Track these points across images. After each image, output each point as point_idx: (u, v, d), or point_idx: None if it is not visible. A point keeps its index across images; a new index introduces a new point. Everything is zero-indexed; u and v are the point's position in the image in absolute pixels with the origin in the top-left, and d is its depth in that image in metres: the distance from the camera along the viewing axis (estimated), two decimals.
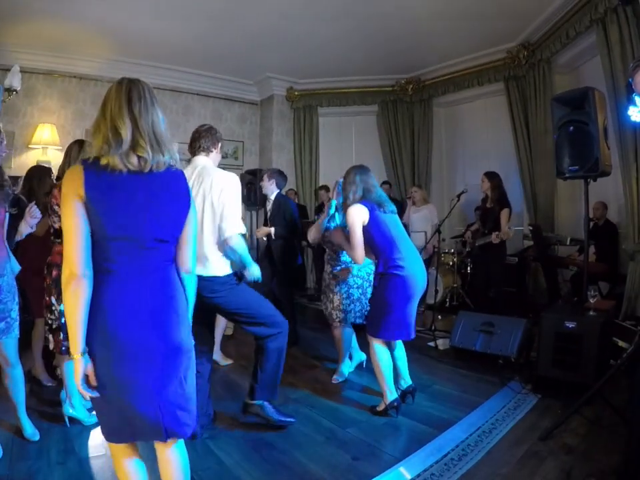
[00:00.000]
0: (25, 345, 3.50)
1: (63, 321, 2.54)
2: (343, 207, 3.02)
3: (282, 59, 6.61)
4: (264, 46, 6.07)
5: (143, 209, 1.39)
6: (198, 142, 2.62)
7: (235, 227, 2.39)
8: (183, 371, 1.47)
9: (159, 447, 1.54)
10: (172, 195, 1.46)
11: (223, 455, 2.35)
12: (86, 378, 1.37)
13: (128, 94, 1.40)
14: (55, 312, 2.60)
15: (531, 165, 5.82)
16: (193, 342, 1.53)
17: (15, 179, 4.31)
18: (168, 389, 1.43)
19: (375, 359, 2.85)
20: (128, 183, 1.37)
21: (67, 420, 2.64)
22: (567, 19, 4.83)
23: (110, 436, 1.50)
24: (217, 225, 2.39)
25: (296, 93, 7.67)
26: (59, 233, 2.61)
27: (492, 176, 4.73)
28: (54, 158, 5.72)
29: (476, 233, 5.08)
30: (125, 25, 5.32)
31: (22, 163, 5.62)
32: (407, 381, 3.05)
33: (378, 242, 2.78)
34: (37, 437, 2.44)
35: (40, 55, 5.88)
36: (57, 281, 2.56)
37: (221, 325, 3.72)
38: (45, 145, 5.82)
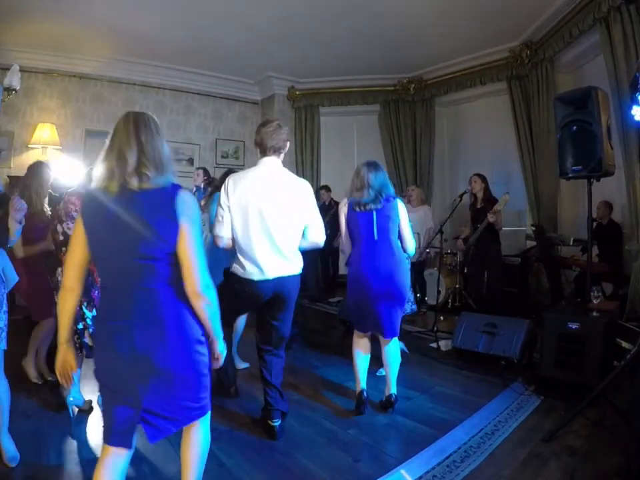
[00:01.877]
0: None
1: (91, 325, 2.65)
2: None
3: (283, 58, 6.59)
4: (265, 45, 6.06)
5: (125, 226, 1.44)
6: (269, 141, 2.52)
7: (323, 235, 2.62)
8: (180, 390, 1.54)
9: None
10: (160, 211, 1.47)
11: (223, 456, 2.34)
12: (65, 364, 1.56)
13: (135, 123, 1.50)
14: (88, 320, 2.64)
15: (533, 165, 5.80)
16: (196, 359, 1.56)
17: (15, 179, 4.34)
18: (162, 405, 1.53)
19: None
20: (118, 203, 1.45)
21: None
22: (570, 18, 4.81)
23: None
24: (301, 229, 2.53)
25: (297, 93, 7.66)
26: None
27: (483, 177, 4.97)
28: (54, 158, 5.72)
29: (467, 239, 5.13)
30: (125, 24, 5.32)
31: (21, 163, 5.60)
32: (390, 389, 2.97)
33: (350, 236, 2.94)
34: (16, 462, 2.20)
35: (39, 54, 5.87)
36: (86, 290, 2.59)
37: (239, 328, 3.66)
38: (45, 145, 5.82)
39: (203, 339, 1.58)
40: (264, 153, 2.52)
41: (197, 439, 1.70)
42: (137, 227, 1.43)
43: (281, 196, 2.44)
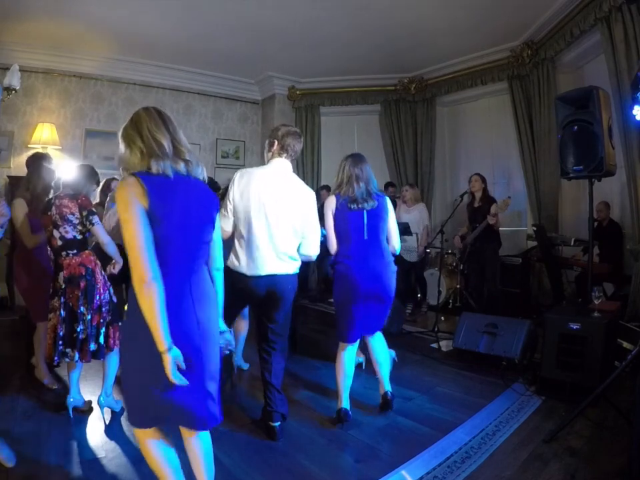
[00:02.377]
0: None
1: (91, 329, 2.64)
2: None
3: (284, 58, 6.58)
4: (265, 45, 6.05)
5: (194, 211, 1.55)
6: (293, 143, 2.55)
7: (317, 248, 2.65)
8: (217, 363, 1.64)
9: (185, 435, 1.69)
10: (208, 198, 1.64)
11: (223, 457, 2.33)
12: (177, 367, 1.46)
13: (160, 116, 1.57)
14: (85, 321, 2.61)
15: (534, 165, 5.78)
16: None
17: (15, 179, 4.33)
18: (209, 383, 1.59)
19: (336, 360, 2.85)
20: (180, 187, 1.52)
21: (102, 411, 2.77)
22: (571, 18, 4.80)
23: (140, 422, 1.62)
24: (299, 236, 2.55)
25: (298, 92, 7.65)
26: (73, 244, 2.68)
27: (483, 178, 5.05)
28: (53, 157, 5.71)
29: (464, 237, 5.14)
30: (125, 24, 5.31)
31: (21, 163, 5.58)
32: (384, 387, 2.94)
33: (336, 234, 2.79)
34: (13, 462, 2.18)
35: (39, 54, 5.86)
36: (86, 292, 2.63)
37: (243, 329, 3.66)
38: (45, 145, 5.80)
39: None
40: (281, 152, 2.55)
41: (204, 442, 1.70)
42: (201, 213, 1.58)
43: (286, 198, 2.47)
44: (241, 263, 2.46)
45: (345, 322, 2.77)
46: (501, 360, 3.55)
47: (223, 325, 1.74)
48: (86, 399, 2.85)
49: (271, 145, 2.57)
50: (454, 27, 5.46)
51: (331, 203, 2.79)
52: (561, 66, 5.48)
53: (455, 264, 5.93)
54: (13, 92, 5.17)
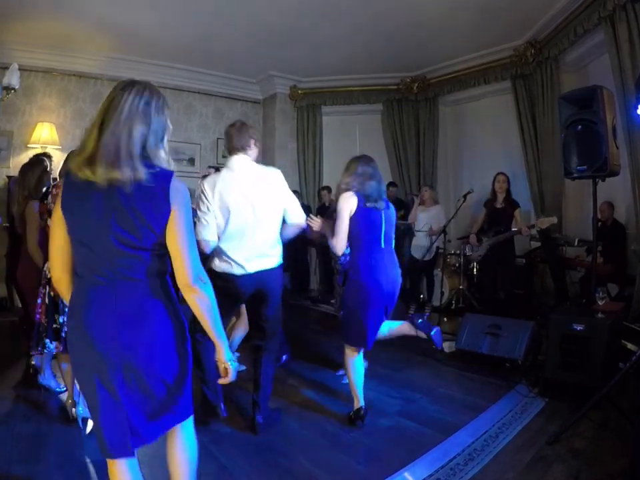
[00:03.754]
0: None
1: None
2: (337, 192, 2.88)
3: (285, 57, 6.56)
4: (267, 44, 6.03)
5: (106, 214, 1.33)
6: (231, 142, 2.59)
7: (303, 215, 2.67)
8: (158, 379, 1.42)
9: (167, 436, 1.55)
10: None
11: (224, 459, 2.32)
12: None
13: None
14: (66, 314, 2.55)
15: (538, 165, 5.76)
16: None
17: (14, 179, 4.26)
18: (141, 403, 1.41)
19: (346, 365, 2.80)
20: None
21: (80, 421, 2.62)
22: (574, 16, 4.77)
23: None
24: (280, 217, 2.57)
25: (299, 92, 7.63)
26: None
27: (508, 178, 4.98)
28: (53, 157, 5.70)
29: (484, 232, 5.06)
30: (126, 23, 5.30)
31: (20, 163, 5.56)
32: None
33: (354, 236, 2.67)
34: None
35: (39, 53, 5.84)
36: None
37: (236, 339, 3.62)
38: (44, 144, 5.77)
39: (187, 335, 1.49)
40: (231, 151, 2.58)
41: (184, 443, 1.58)
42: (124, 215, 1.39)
43: (256, 191, 2.48)
44: (226, 265, 2.48)
45: (366, 328, 2.68)
46: (504, 361, 3.53)
47: (229, 354, 1.51)
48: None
49: (225, 149, 2.67)
50: (457, 26, 5.44)
51: (351, 202, 2.64)
52: (564, 65, 5.45)
53: (457, 264, 5.90)
54: (12, 91, 5.16)
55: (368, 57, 6.53)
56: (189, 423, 1.58)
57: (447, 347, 4.20)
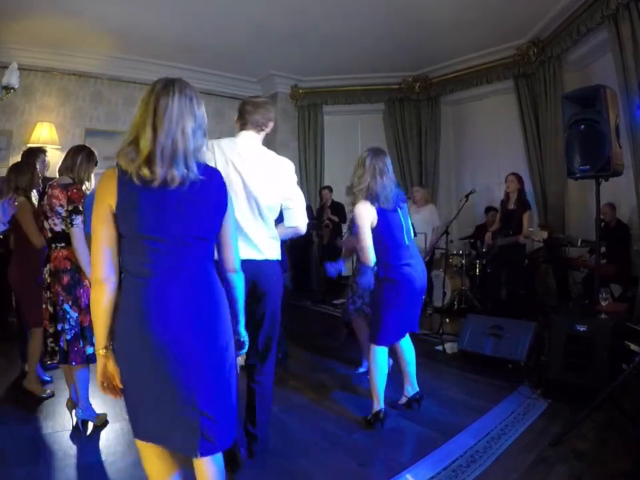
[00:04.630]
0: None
1: (79, 329, 2.50)
2: (349, 191, 2.80)
3: (286, 56, 6.55)
4: (268, 43, 6.01)
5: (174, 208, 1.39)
6: (247, 116, 2.27)
7: (305, 218, 2.38)
8: (227, 373, 1.46)
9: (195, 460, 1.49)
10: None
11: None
12: (111, 377, 1.40)
13: None
14: (71, 320, 2.47)
15: (541, 165, 5.74)
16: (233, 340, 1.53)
17: None
18: (212, 394, 1.41)
19: (371, 364, 2.76)
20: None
21: (79, 424, 2.58)
22: (577, 15, 4.76)
23: (140, 434, 1.45)
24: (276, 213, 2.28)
25: (300, 91, 7.61)
26: (61, 237, 2.52)
27: (520, 178, 4.93)
28: (53, 157, 5.69)
29: (497, 232, 5.05)
30: (125, 22, 5.29)
31: None
32: (414, 387, 2.98)
33: (381, 244, 2.64)
34: None
35: (38, 52, 5.82)
36: (69, 288, 2.48)
37: None
38: (44, 144, 5.71)
39: None
40: (242, 126, 2.27)
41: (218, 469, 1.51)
42: (189, 208, 1.46)
43: (256, 176, 2.16)
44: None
45: (399, 324, 2.73)
46: (506, 362, 3.51)
47: (244, 333, 1.70)
48: (98, 412, 2.68)
49: (235, 121, 2.34)
50: (459, 25, 5.42)
51: (369, 213, 2.59)
52: (567, 64, 5.44)
53: (459, 265, 5.88)
54: (12, 91, 5.15)
55: (369, 57, 6.51)
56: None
57: (449, 347, 4.19)
